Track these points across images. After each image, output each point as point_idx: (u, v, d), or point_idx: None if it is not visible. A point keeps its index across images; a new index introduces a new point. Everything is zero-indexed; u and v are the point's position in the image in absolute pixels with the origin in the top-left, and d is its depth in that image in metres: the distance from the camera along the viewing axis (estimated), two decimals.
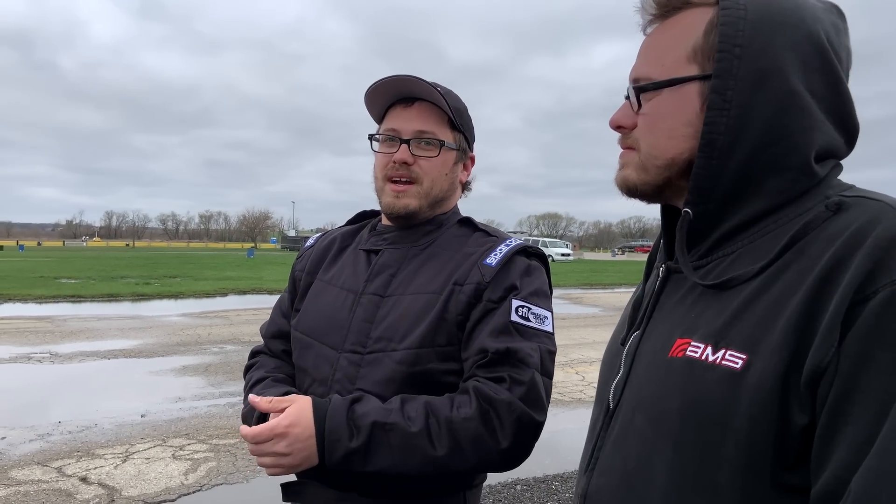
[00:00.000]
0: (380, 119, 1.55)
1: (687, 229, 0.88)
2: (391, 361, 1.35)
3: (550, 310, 1.43)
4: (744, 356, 0.75)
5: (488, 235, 1.52)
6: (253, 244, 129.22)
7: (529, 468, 4.96)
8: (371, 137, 1.54)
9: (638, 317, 0.97)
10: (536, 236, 74.07)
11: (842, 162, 0.88)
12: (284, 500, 1.44)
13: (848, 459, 0.66)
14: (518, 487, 4.64)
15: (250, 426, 1.29)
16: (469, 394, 1.28)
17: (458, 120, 1.49)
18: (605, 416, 0.95)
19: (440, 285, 1.40)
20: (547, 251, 54.64)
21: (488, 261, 1.41)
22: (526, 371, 1.29)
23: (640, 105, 0.90)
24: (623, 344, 0.97)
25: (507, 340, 1.31)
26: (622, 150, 0.95)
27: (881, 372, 0.66)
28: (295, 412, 1.26)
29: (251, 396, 1.33)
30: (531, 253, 1.48)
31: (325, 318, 1.48)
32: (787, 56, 0.81)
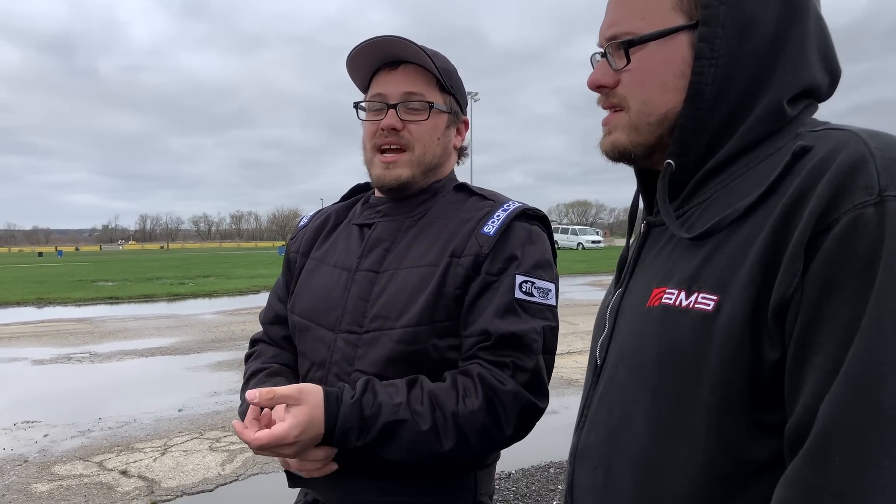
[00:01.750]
0: (365, 88, 1.47)
1: (669, 181, 0.86)
2: (389, 340, 1.29)
3: (554, 279, 1.36)
4: (715, 297, 0.74)
5: (484, 199, 1.43)
6: (283, 242, 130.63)
7: (563, 451, 4.94)
8: (356, 105, 1.46)
9: (621, 275, 0.96)
10: (566, 224, 73.54)
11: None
12: (290, 486, 1.41)
13: (817, 389, 0.65)
14: (551, 471, 4.62)
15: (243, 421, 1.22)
16: (474, 382, 1.23)
17: (447, 81, 1.42)
18: (594, 374, 0.95)
19: (436, 257, 1.33)
20: (577, 239, 54.33)
21: (486, 229, 1.33)
22: (530, 357, 1.25)
23: (628, 60, 0.86)
24: (608, 305, 0.97)
25: (512, 322, 1.25)
26: (607, 114, 0.92)
27: (846, 298, 0.64)
28: (305, 421, 1.15)
29: (248, 394, 1.19)
30: (532, 216, 1.40)
31: (319, 298, 1.42)
32: (771, 1, 0.80)
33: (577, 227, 63.47)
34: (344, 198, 1.65)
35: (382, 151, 1.40)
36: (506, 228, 1.33)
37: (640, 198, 0.99)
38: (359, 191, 1.64)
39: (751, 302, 0.70)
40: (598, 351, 0.95)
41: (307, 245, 1.56)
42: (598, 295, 16.95)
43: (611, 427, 0.86)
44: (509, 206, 1.38)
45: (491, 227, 1.33)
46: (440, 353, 1.29)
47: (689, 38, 0.82)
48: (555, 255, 1.42)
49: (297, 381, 1.42)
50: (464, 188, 1.48)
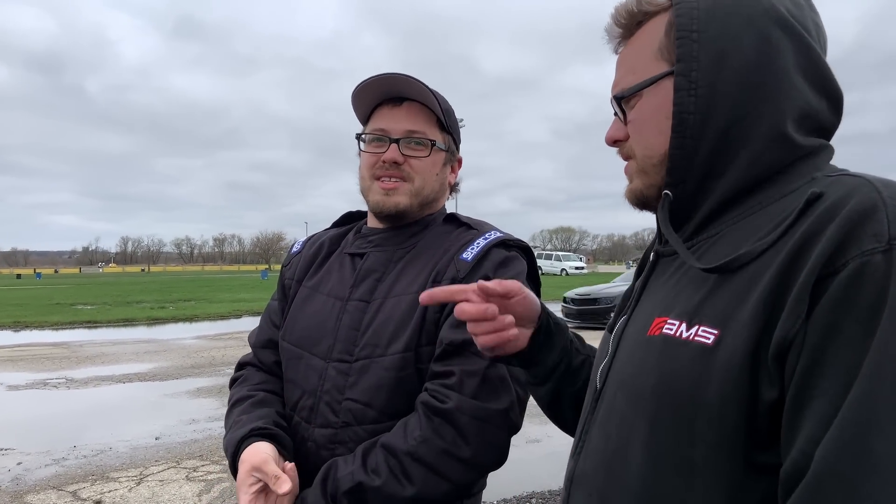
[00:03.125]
0: (365, 119, 1.50)
1: (669, 210, 0.88)
2: (379, 368, 1.32)
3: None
4: (716, 331, 0.74)
5: (470, 229, 1.47)
6: (267, 266, 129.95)
7: (544, 481, 4.93)
8: (358, 137, 1.49)
9: (627, 303, 0.98)
10: (550, 250, 73.90)
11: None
12: None
13: (814, 433, 0.65)
14: (533, 501, 4.59)
15: (231, 462, 1.32)
16: (417, 412, 1.26)
17: (447, 121, 1.47)
18: (593, 400, 0.94)
19: (421, 285, 1.36)
20: (561, 265, 54.62)
21: (464, 255, 1.37)
22: (477, 361, 1.25)
23: (625, 115, 0.92)
24: (610, 330, 0.98)
25: (463, 332, 1.23)
26: (625, 165, 0.97)
27: (849, 343, 0.64)
28: None
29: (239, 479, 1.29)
30: (511, 245, 1.43)
31: (312, 327, 1.44)
32: (745, 33, 0.83)
33: (560, 252, 63.90)
34: (336, 224, 1.67)
35: (381, 179, 1.43)
36: (483, 254, 1.37)
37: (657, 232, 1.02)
38: (351, 218, 1.66)
39: (752, 339, 0.70)
40: (598, 376, 0.95)
41: (302, 272, 1.57)
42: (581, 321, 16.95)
43: (607, 455, 0.86)
44: (490, 234, 1.42)
45: (469, 254, 1.37)
46: (424, 377, 1.32)
47: (672, 82, 0.86)
48: (538, 283, 1.44)
49: (282, 410, 1.45)
50: (452, 219, 1.52)
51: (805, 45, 0.85)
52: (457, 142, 1.54)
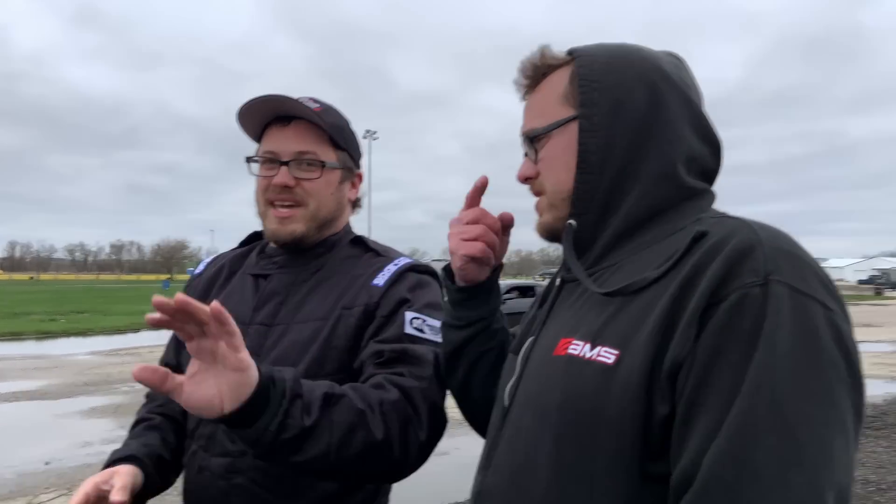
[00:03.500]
0: (258, 138, 1.47)
1: (573, 238, 0.98)
2: None
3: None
4: (616, 352, 0.82)
5: (378, 255, 1.48)
6: (169, 276, 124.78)
7: (451, 495, 4.99)
8: (249, 160, 1.46)
9: (533, 326, 1.04)
10: None
11: (719, 191, 1.01)
12: None
13: (700, 445, 0.73)
14: None
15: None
16: (382, 381, 1.22)
17: (338, 138, 1.44)
18: (501, 417, 1.00)
19: (327, 310, 1.36)
20: None
21: (376, 281, 1.38)
22: (426, 368, 1.26)
23: (536, 154, 1.03)
24: (516, 352, 1.04)
25: (402, 342, 1.28)
26: (536, 201, 1.07)
27: (731, 364, 0.73)
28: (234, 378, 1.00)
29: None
30: (421, 270, 1.46)
31: None
32: (636, 86, 0.96)
33: None
34: (242, 243, 1.64)
35: (276, 206, 1.41)
36: (396, 279, 1.39)
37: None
38: (256, 237, 1.63)
39: (648, 359, 0.78)
40: (506, 394, 1.00)
41: (199, 295, 1.53)
42: None
43: (514, 469, 0.91)
44: (400, 261, 1.44)
45: (381, 279, 1.38)
46: None
47: (577, 125, 0.98)
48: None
49: (177, 436, 1.44)
50: (359, 242, 1.52)
51: (687, 97, 0.98)
52: (354, 156, 1.52)
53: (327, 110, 1.44)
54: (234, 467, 1.30)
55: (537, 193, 1.06)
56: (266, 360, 1.31)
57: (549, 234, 1.05)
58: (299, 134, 1.40)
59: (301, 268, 1.45)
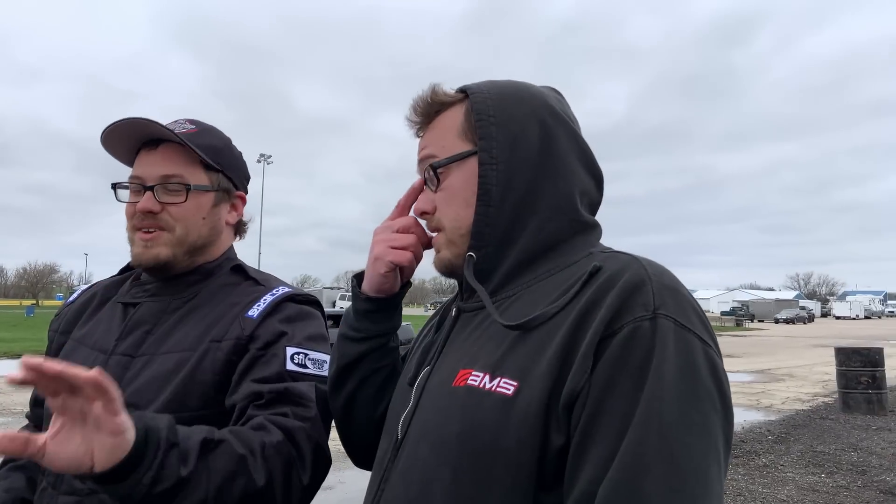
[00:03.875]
0: (131, 163, 1.42)
1: (473, 271, 0.98)
2: None
3: (328, 353, 1.31)
4: (515, 383, 0.83)
5: (257, 284, 1.42)
6: (34, 301, 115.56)
7: None
8: (115, 186, 1.40)
9: (429, 357, 1.03)
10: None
11: (609, 226, 1.06)
12: None
13: (594, 474, 0.75)
14: None
15: None
16: (264, 422, 1.16)
17: (213, 159, 1.39)
18: (394, 448, 0.98)
19: (194, 342, 1.29)
20: None
21: (250, 313, 1.32)
22: (310, 408, 1.22)
23: (438, 181, 1.03)
24: (411, 383, 1.02)
25: (284, 386, 1.22)
26: (433, 237, 1.06)
27: (622, 396, 0.76)
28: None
29: None
30: (301, 300, 1.40)
31: None
32: (529, 122, 0.99)
33: None
34: (121, 271, 1.57)
35: (140, 230, 1.36)
36: (272, 310, 1.33)
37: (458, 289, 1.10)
38: (132, 267, 1.55)
39: (546, 391, 0.80)
40: (399, 425, 0.98)
41: (68, 324, 1.47)
42: None
43: (409, 502, 0.89)
44: (278, 290, 1.38)
45: (255, 311, 1.32)
46: None
47: (477, 159, 0.99)
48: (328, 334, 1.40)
49: (34, 477, 1.36)
50: (239, 270, 1.46)
51: (573, 132, 1.02)
52: (234, 178, 1.46)
53: (203, 132, 1.40)
54: None
55: (434, 229, 1.06)
56: (126, 394, 1.20)
57: (448, 270, 1.05)
58: (166, 157, 1.36)
59: (173, 296, 1.39)
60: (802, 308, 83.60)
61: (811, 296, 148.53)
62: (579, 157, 1.02)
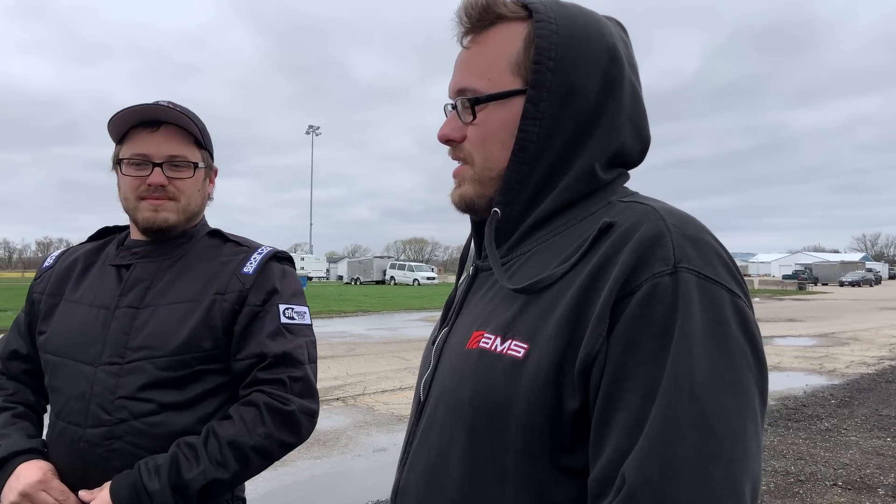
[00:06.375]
0: (119, 139, 1.56)
1: (495, 227, 0.93)
2: (154, 368, 1.42)
3: (306, 304, 1.63)
4: (525, 346, 0.80)
5: (239, 245, 1.63)
6: None
7: (388, 491, 4.95)
8: (118, 162, 1.54)
9: (448, 315, 1.02)
10: (403, 260, 74.48)
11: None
12: None
13: (621, 443, 0.71)
14: None
15: None
16: (261, 411, 1.43)
17: (202, 139, 1.57)
18: (417, 411, 0.97)
19: (198, 293, 1.50)
20: (413, 275, 55.17)
21: (245, 269, 1.55)
22: (300, 369, 1.50)
23: (474, 116, 0.93)
24: (433, 342, 1.01)
25: (282, 343, 1.49)
26: (456, 166, 0.98)
27: (646, 359, 0.71)
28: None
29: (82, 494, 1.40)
30: (282, 258, 1.65)
31: (76, 335, 1.49)
32: (592, 71, 0.89)
33: (413, 263, 64.59)
34: (92, 238, 1.72)
35: (148, 199, 1.52)
36: (263, 267, 1.56)
37: (473, 243, 1.06)
38: (107, 233, 1.72)
39: (557, 354, 0.76)
40: (421, 388, 0.98)
41: (55, 286, 1.62)
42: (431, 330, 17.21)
43: (429, 465, 0.89)
44: (262, 250, 1.61)
45: (250, 268, 1.55)
46: (205, 375, 1.47)
47: (523, 101, 0.89)
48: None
49: (37, 424, 1.58)
50: (218, 234, 1.66)
51: (633, 88, 0.93)
52: (212, 154, 1.66)
53: (192, 114, 1.56)
54: (111, 434, 1.40)
55: (460, 160, 0.97)
56: (138, 338, 1.45)
57: (467, 207, 0.98)
58: (170, 138, 1.52)
59: (163, 257, 1.56)
60: (869, 270, 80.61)
61: (878, 257, 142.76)
62: (632, 116, 0.93)
